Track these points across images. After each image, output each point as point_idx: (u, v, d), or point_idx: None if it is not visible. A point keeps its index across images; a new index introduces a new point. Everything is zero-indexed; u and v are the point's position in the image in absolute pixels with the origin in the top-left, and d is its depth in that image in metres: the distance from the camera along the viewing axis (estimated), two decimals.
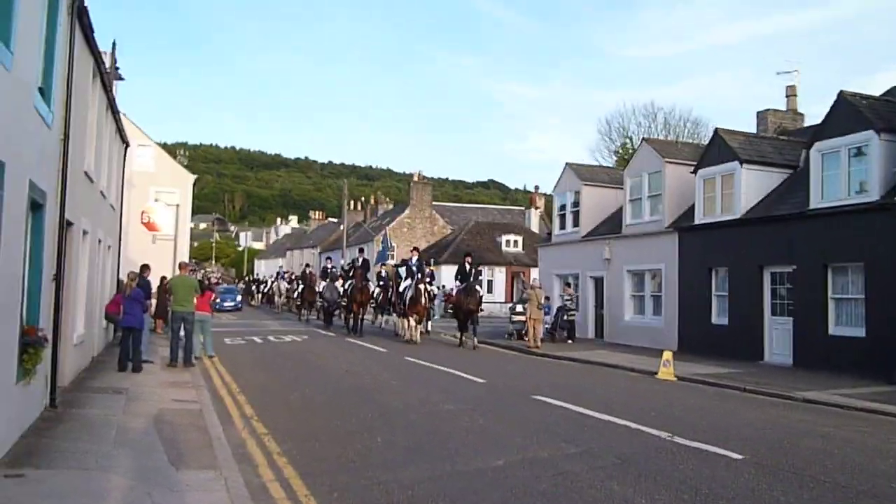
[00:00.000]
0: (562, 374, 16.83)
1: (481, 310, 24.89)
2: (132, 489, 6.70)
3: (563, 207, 29.74)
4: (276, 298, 47.84)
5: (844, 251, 17.36)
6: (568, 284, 27.17)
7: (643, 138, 27.70)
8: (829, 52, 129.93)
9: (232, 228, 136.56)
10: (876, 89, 18.31)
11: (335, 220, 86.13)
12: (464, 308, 23.37)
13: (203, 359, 17.90)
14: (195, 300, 16.95)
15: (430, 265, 29.05)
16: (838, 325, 17.62)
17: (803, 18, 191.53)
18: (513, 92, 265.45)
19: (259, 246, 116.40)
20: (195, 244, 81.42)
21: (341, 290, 29.43)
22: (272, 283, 52.32)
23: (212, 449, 8.43)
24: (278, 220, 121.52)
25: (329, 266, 32.82)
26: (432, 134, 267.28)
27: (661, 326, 23.43)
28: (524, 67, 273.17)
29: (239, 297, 50.63)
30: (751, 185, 20.61)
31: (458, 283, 24.66)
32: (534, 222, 57.05)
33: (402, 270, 26.95)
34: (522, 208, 65.96)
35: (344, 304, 28.96)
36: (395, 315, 27.44)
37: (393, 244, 30.49)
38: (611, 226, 26.96)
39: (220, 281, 61.86)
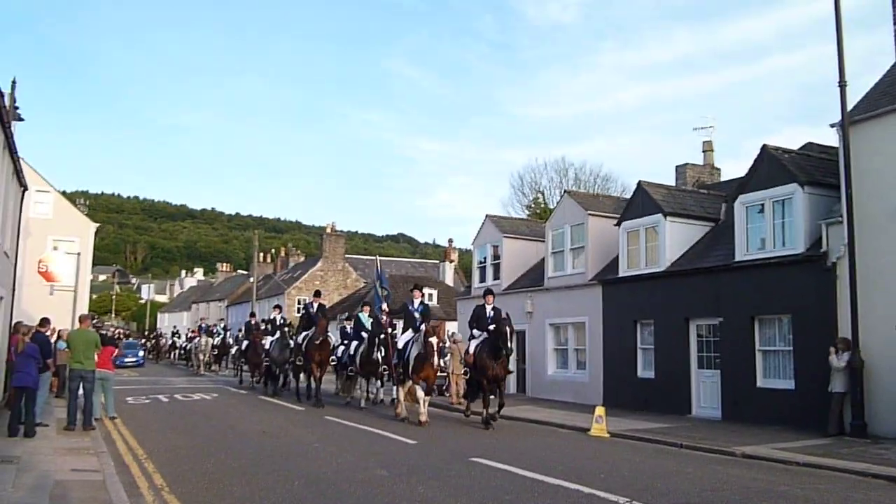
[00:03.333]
0: (493, 433, 16.06)
1: (510, 372, 19.32)
2: None
3: (482, 260, 29.33)
4: (199, 357, 40.85)
5: (771, 303, 17.38)
6: None
7: (565, 190, 27.69)
8: (724, 114, 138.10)
9: (133, 281, 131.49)
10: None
11: (244, 272, 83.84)
12: (489, 374, 16.87)
13: (104, 421, 16.47)
14: (96, 356, 15.62)
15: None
16: (767, 378, 17.53)
17: (701, 82, 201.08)
18: (421, 148, 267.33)
19: (162, 299, 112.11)
20: (94, 297, 77.73)
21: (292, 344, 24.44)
22: (195, 338, 44.26)
23: None
24: (183, 272, 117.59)
25: (278, 316, 26.95)
26: (342, 188, 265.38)
27: (586, 381, 23.04)
28: (433, 124, 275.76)
29: (141, 353, 48.64)
30: (675, 238, 20.60)
31: (475, 335, 17.90)
32: (448, 276, 56.54)
33: (364, 318, 22.50)
34: (436, 262, 65.50)
35: (299, 363, 22.95)
36: (368, 381, 21.84)
37: (386, 284, 23.14)
38: (532, 278, 26.64)
39: (126, 336, 59.19)
